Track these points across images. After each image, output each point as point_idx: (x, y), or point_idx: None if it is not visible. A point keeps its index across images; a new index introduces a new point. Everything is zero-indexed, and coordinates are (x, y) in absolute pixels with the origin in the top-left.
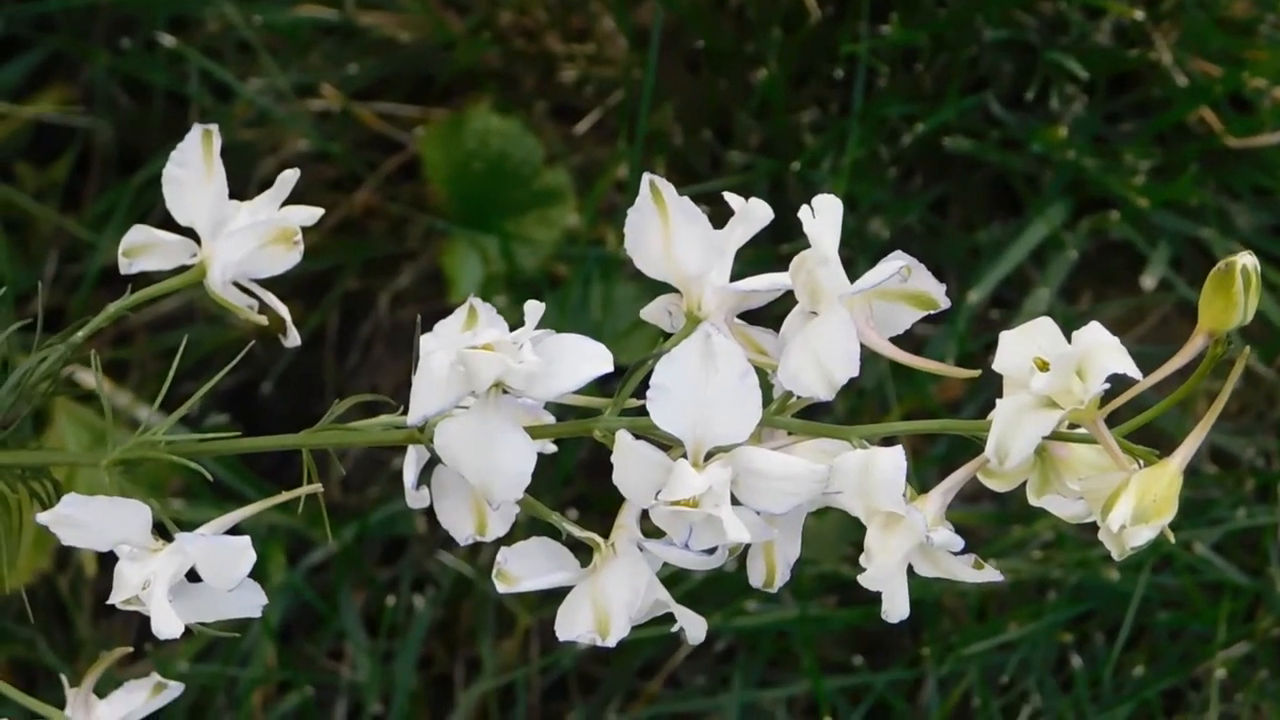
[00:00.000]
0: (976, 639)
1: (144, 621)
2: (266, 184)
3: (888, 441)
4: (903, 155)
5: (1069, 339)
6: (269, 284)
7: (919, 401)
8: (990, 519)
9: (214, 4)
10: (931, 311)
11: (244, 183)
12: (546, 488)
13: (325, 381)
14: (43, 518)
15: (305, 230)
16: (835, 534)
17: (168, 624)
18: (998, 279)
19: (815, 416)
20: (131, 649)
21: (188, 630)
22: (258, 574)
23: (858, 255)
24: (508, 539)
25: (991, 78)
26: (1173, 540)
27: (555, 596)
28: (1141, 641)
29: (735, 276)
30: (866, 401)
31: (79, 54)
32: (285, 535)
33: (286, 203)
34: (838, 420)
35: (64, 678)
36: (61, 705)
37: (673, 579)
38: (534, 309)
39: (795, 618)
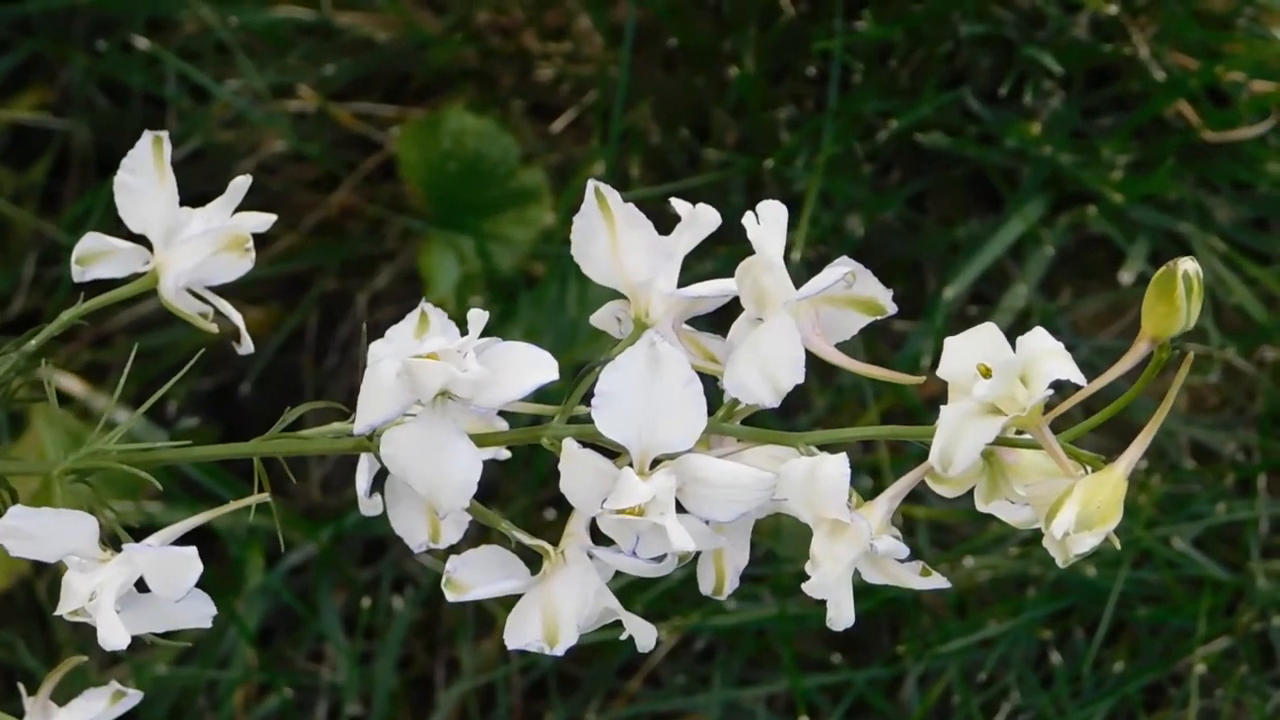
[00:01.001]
0: (956, 636)
1: None
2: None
3: (834, 449)
4: (879, 151)
5: (1024, 337)
6: (245, 282)
7: (898, 399)
8: (969, 515)
9: (191, 6)
10: (879, 317)
11: (221, 185)
12: (522, 489)
13: (304, 382)
14: None
15: (283, 231)
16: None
17: (115, 635)
18: (976, 275)
19: (795, 413)
20: (88, 659)
21: (164, 640)
22: (237, 576)
23: (834, 251)
24: (476, 543)
25: (968, 73)
26: (1118, 545)
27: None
28: (1121, 637)
29: (709, 276)
30: (846, 399)
31: (56, 56)
32: (264, 538)
33: (260, 201)
34: (817, 418)
35: (21, 687)
36: None
37: (650, 578)
38: (477, 317)
39: (774, 616)
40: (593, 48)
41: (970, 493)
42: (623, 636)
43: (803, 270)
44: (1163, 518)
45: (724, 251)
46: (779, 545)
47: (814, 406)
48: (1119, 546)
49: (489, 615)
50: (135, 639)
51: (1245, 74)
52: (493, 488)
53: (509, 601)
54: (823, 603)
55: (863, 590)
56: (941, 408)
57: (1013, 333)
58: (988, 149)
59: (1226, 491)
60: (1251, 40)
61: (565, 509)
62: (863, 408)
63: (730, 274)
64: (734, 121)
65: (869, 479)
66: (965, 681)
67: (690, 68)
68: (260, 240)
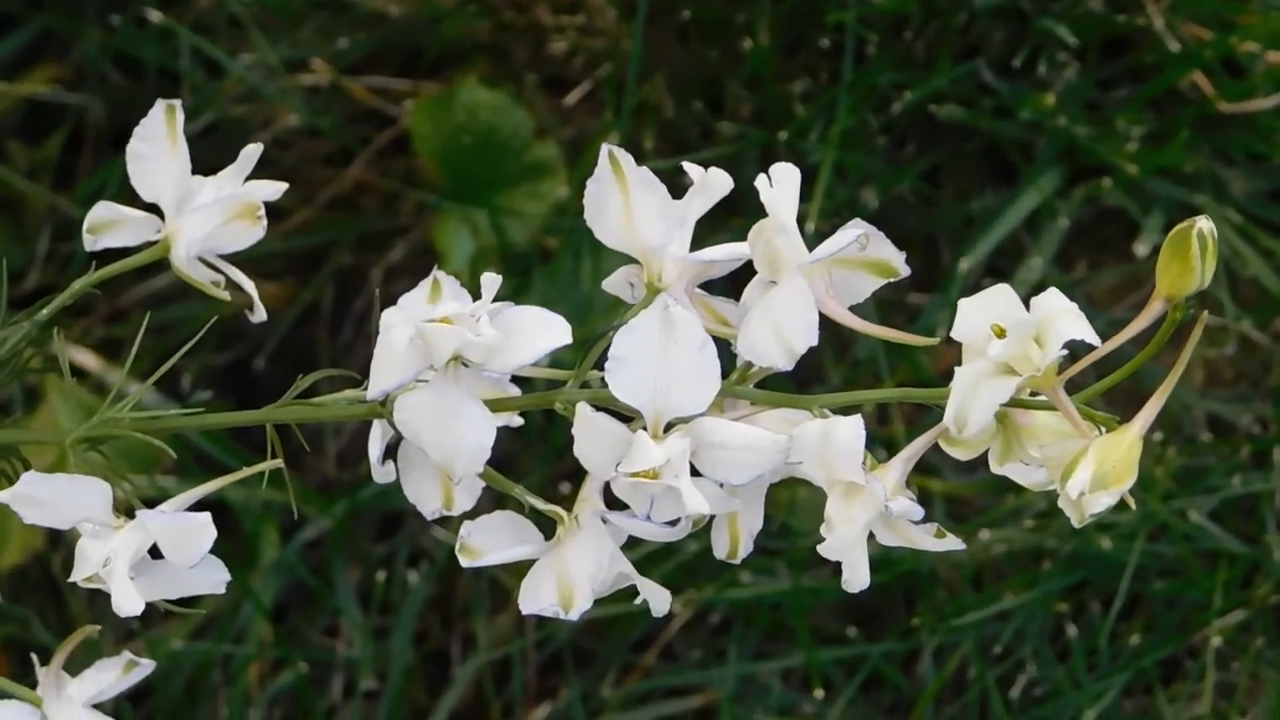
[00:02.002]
0: (971, 609)
1: None
2: (257, 161)
3: (849, 411)
4: (894, 124)
5: (1038, 297)
6: (260, 257)
7: (913, 372)
8: (984, 488)
9: None
10: (892, 279)
11: (235, 159)
12: (538, 462)
13: (319, 357)
14: (2, 496)
15: (298, 206)
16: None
17: (128, 601)
18: (991, 247)
19: (810, 385)
20: (101, 628)
21: (162, 607)
22: (252, 551)
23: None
24: (489, 511)
25: (982, 45)
26: (1133, 506)
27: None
28: (1137, 610)
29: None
30: (861, 372)
31: (70, 31)
32: (279, 513)
33: (274, 175)
34: (831, 391)
35: (34, 656)
36: None
37: (667, 552)
38: (490, 281)
39: (789, 590)
40: (606, 21)
41: (985, 467)
42: (638, 601)
43: (817, 242)
44: (1178, 491)
45: (738, 224)
46: (794, 519)
47: (829, 379)
48: (1134, 506)
49: (504, 590)
50: (148, 611)
51: (1260, 45)
52: (508, 461)
53: (523, 574)
54: (838, 575)
55: (878, 563)
56: (955, 368)
57: (1028, 306)
58: (1002, 121)
59: (1242, 464)
60: (1267, 12)
61: (581, 483)
62: (878, 380)
63: None
64: (748, 94)
65: (884, 452)
66: (981, 654)
67: (704, 40)
68: (274, 215)
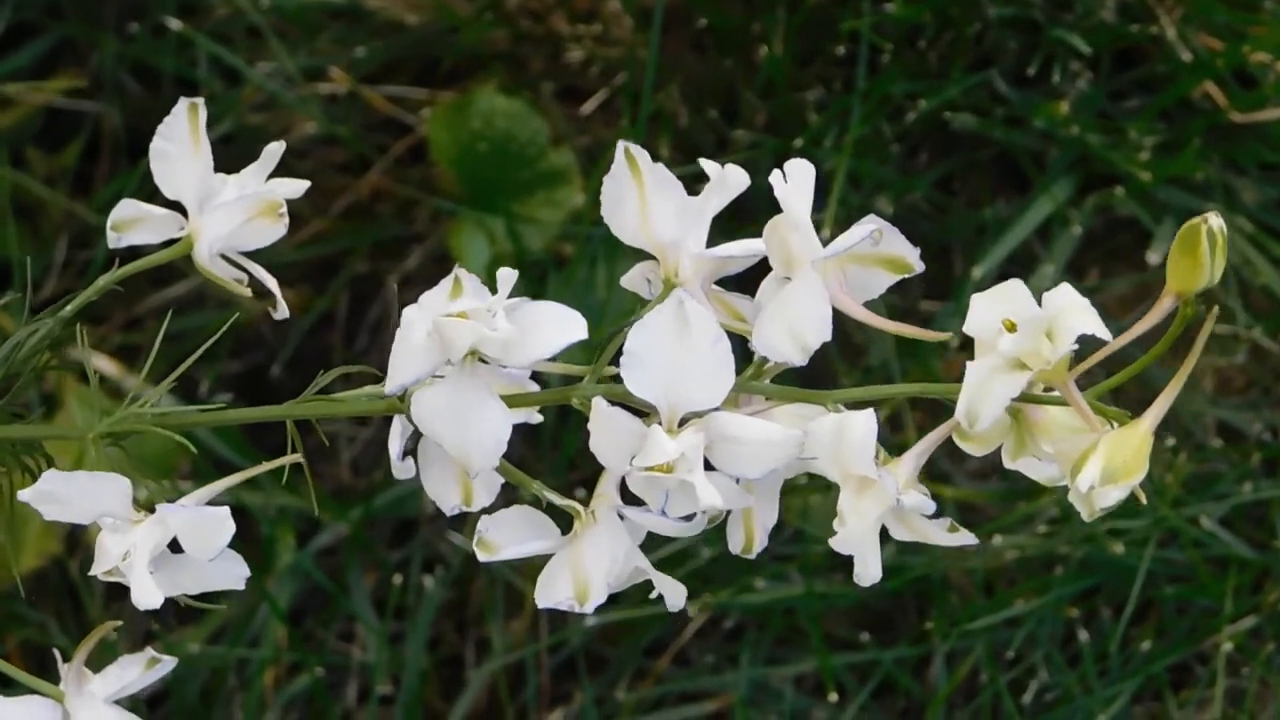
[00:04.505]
0: (983, 614)
1: None
2: (275, 168)
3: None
4: (907, 132)
5: (1050, 292)
6: (277, 267)
7: (925, 377)
8: (996, 495)
9: None
10: (905, 275)
11: None
12: (550, 469)
13: (334, 364)
14: (24, 495)
15: (314, 214)
16: None
17: (148, 595)
18: (1003, 255)
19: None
20: (122, 624)
21: (198, 611)
22: (268, 556)
23: None
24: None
25: (996, 55)
26: (1143, 500)
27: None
28: (1148, 616)
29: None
30: (873, 378)
31: (88, 40)
32: (295, 518)
33: (291, 183)
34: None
35: (57, 653)
36: None
37: (681, 556)
38: (506, 276)
39: (802, 595)
40: (622, 30)
41: (997, 474)
42: (653, 596)
43: None
44: (1189, 497)
45: (751, 230)
46: (808, 525)
47: (841, 387)
48: (1144, 500)
49: (518, 595)
50: (164, 614)
51: (1271, 56)
52: (521, 465)
53: (537, 578)
54: (851, 581)
55: (891, 570)
56: (967, 363)
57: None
58: (1015, 130)
59: (1253, 471)
60: (1277, 22)
61: (594, 489)
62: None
63: None
64: (762, 103)
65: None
66: (993, 660)
67: (719, 49)
68: (290, 223)
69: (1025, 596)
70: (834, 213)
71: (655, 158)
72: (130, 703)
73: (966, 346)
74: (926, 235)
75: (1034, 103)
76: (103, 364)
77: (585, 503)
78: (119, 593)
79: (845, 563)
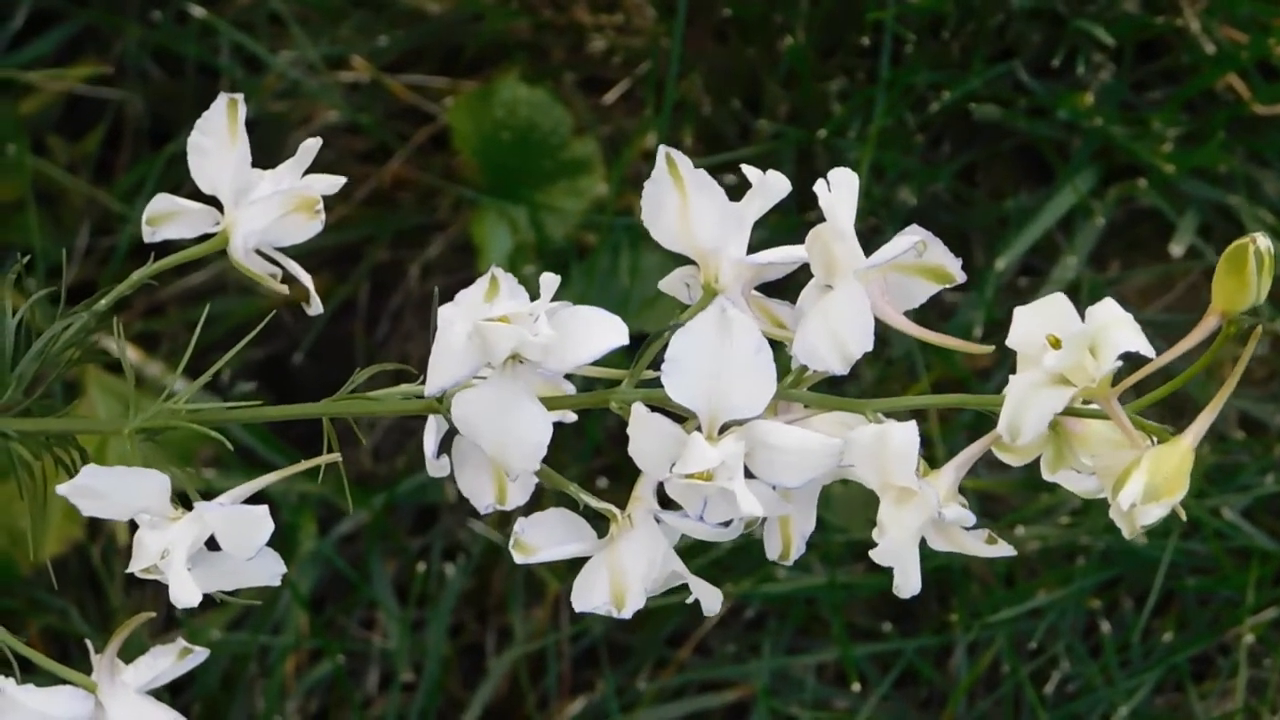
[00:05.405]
0: (1005, 605)
1: None
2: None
3: (903, 416)
4: (930, 123)
5: (1093, 307)
6: (297, 255)
7: (947, 370)
8: (1018, 486)
9: None
10: (947, 285)
11: (275, 155)
12: (575, 458)
13: (355, 352)
14: (62, 489)
15: (336, 202)
16: (863, 501)
17: (186, 592)
18: (1026, 246)
19: (840, 386)
20: (155, 615)
21: (216, 599)
22: (289, 543)
23: (886, 224)
24: (532, 506)
25: (1019, 46)
26: (1184, 519)
27: (584, 564)
28: (1170, 607)
29: (761, 244)
30: (895, 370)
31: (111, 27)
32: (316, 505)
33: (313, 172)
34: (865, 389)
35: (90, 645)
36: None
37: (701, 546)
38: (549, 281)
39: (824, 584)
40: (644, 19)
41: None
42: (689, 601)
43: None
44: (1211, 489)
45: (775, 220)
46: (828, 514)
47: (863, 378)
48: (1185, 518)
49: (539, 583)
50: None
51: None
52: (545, 456)
53: (559, 569)
54: (873, 571)
55: None
56: (1010, 377)
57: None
58: (1038, 121)
59: (1275, 463)
60: None
61: (618, 478)
62: (912, 379)
63: (782, 243)
64: (786, 93)
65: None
66: (1014, 651)
67: (742, 39)
68: None
69: (1047, 587)
70: (856, 204)
71: (678, 148)
72: (152, 694)
73: (989, 337)
74: (949, 226)
75: (1057, 94)
76: (126, 351)
77: (607, 494)
78: (140, 579)
79: (866, 552)
